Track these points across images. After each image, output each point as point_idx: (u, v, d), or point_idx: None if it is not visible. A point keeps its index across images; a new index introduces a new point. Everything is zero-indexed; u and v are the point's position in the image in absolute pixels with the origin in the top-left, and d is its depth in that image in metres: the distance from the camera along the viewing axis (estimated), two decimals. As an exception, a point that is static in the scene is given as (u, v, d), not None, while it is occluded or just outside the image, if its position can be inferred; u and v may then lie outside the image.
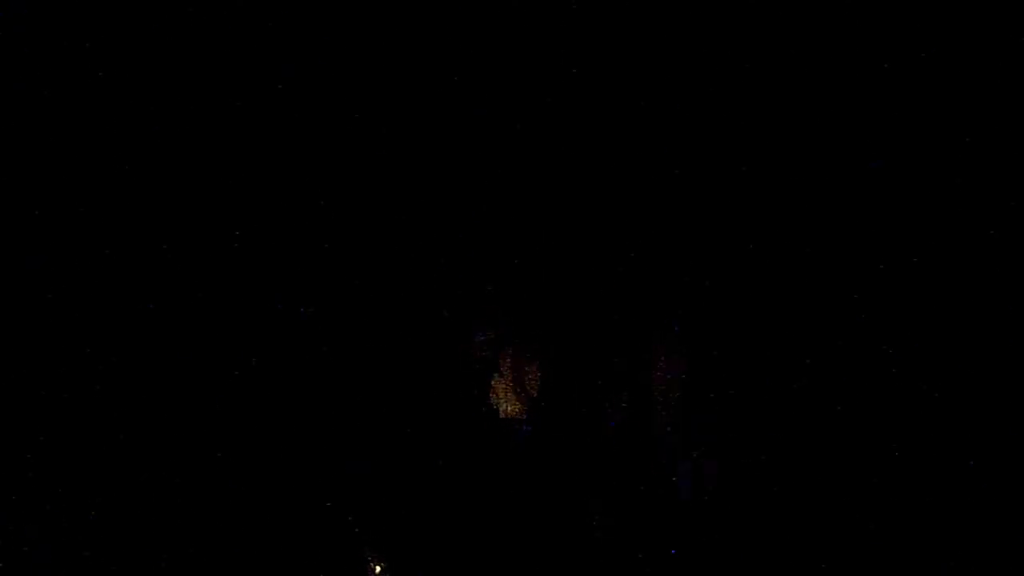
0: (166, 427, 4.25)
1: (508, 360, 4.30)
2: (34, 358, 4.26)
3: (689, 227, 4.34)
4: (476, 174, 4.36)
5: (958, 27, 4.24)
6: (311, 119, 4.36)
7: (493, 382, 4.27)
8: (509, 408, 4.25)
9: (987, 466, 4.15)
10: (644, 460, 4.23)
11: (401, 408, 4.24)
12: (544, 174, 4.35)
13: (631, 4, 4.34)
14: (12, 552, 4.15)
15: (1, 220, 4.30)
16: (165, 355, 4.29)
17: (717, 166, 4.33)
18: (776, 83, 4.31)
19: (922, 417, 4.20)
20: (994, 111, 4.23)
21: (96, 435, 4.24)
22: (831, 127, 4.30)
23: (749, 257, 4.31)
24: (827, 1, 4.29)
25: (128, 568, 4.16)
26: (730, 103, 4.33)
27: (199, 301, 4.31)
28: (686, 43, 4.33)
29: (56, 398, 4.24)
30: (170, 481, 4.22)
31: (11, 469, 4.20)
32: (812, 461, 4.23)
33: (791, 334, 4.29)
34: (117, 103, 4.34)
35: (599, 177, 4.35)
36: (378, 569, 4.11)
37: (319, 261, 4.33)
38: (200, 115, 4.36)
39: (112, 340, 4.30)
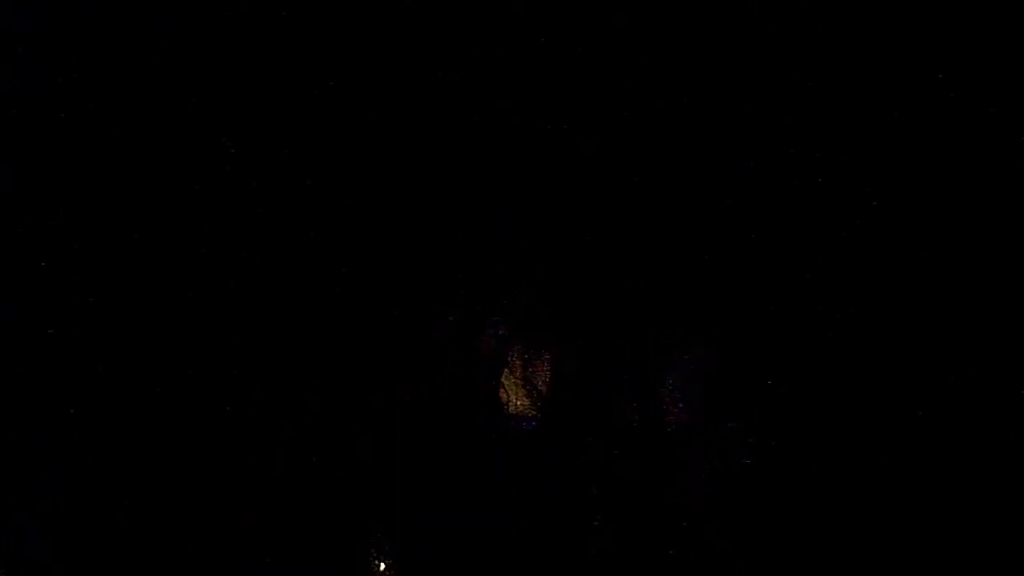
0: (168, 426, 4.25)
1: (517, 355, 4.30)
2: (33, 357, 4.26)
3: (698, 226, 4.36)
4: (488, 173, 4.37)
5: (957, 28, 4.28)
6: (315, 119, 4.38)
7: (503, 377, 4.28)
8: (518, 402, 4.26)
9: (987, 468, 4.16)
10: (650, 456, 4.24)
11: (410, 401, 4.24)
12: (555, 173, 4.37)
13: (640, 6, 4.37)
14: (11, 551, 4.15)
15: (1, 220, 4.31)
16: (167, 355, 4.29)
17: (721, 164, 4.35)
18: (786, 88, 4.35)
19: (928, 417, 4.22)
20: (993, 112, 4.26)
21: (94, 434, 4.24)
22: (833, 129, 4.33)
23: (758, 257, 4.33)
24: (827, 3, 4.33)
25: (130, 567, 4.16)
26: (733, 104, 4.36)
27: (200, 301, 4.32)
28: (700, 47, 4.36)
29: (54, 397, 4.24)
30: (170, 479, 4.22)
31: (10, 469, 4.20)
32: (815, 459, 4.24)
33: (796, 333, 4.31)
34: (117, 103, 4.35)
35: (609, 175, 4.37)
36: (382, 566, 4.11)
37: (331, 256, 4.34)
38: (200, 115, 4.36)
39: (110, 339, 4.31)
